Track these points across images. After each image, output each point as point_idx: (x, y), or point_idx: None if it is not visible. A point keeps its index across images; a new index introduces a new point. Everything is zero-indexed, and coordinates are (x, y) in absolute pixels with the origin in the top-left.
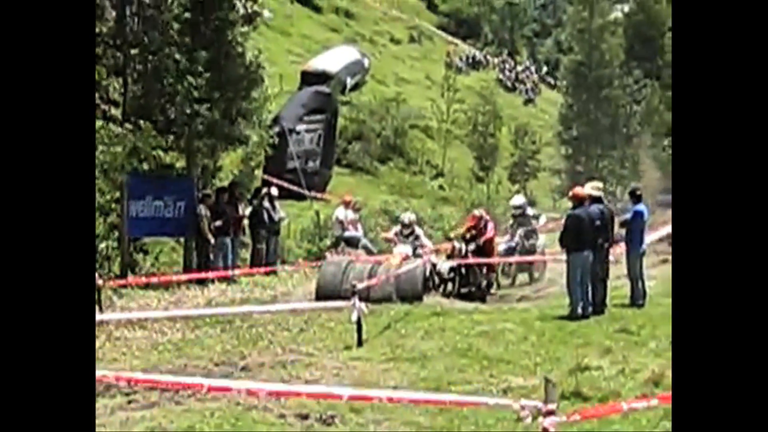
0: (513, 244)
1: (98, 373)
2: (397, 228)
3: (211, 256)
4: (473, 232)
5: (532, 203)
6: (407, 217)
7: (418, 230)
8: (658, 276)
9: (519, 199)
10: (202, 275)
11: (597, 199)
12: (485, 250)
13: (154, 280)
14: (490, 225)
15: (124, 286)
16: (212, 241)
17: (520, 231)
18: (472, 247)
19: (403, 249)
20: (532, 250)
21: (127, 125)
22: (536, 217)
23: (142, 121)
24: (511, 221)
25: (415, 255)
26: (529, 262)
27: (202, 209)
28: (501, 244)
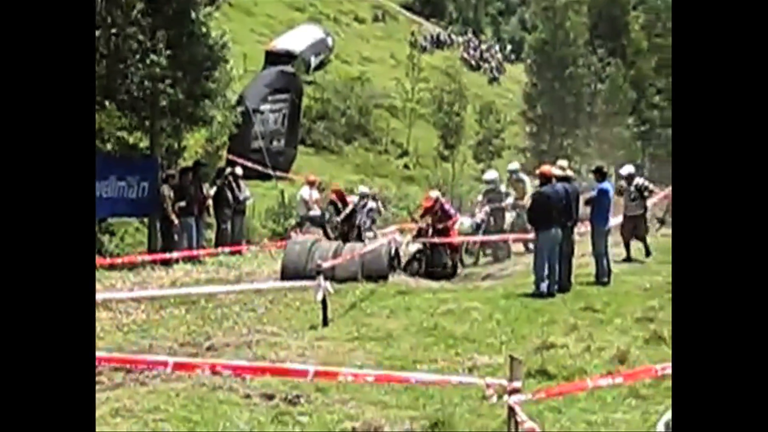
0: (478, 221)
1: None
2: (354, 199)
3: (176, 237)
4: (430, 214)
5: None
6: (364, 188)
7: (371, 204)
8: (623, 254)
9: (492, 174)
10: (167, 256)
11: (563, 178)
12: (448, 230)
13: (118, 261)
14: (449, 207)
15: None
16: (176, 221)
17: (487, 208)
18: (437, 227)
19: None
20: (499, 229)
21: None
22: (508, 195)
23: (107, 102)
24: (480, 197)
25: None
26: (494, 242)
27: (166, 189)
28: (466, 220)
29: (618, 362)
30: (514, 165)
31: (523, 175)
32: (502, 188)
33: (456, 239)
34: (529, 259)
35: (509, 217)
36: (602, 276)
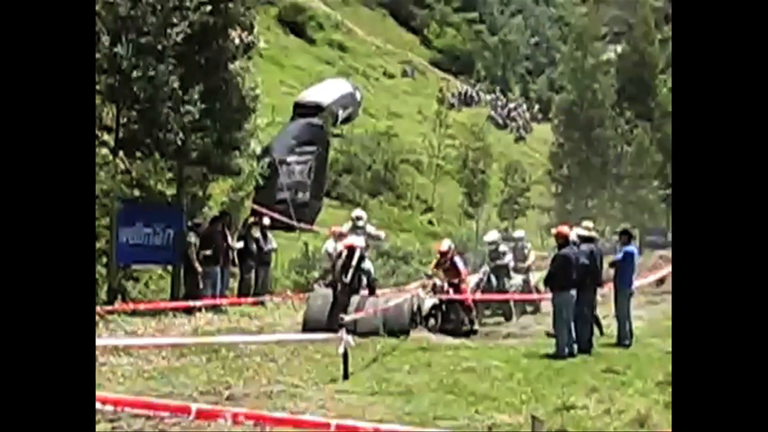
0: (476, 280)
1: None
2: (348, 225)
3: (200, 285)
4: (441, 265)
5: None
6: (357, 212)
7: (370, 228)
8: (645, 317)
9: (493, 235)
10: (190, 303)
11: (588, 239)
12: (459, 287)
13: (141, 307)
14: (460, 262)
15: (111, 312)
16: (200, 269)
17: (486, 268)
18: (451, 282)
19: (356, 240)
20: (502, 288)
21: (120, 152)
22: (506, 254)
23: (144, 142)
24: (486, 268)
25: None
26: (503, 300)
27: (192, 238)
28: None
29: (638, 425)
30: (520, 233)
31: (527, 243)
32: (502, 248)
33: (468, 296)
34: (550, 318)
35: (517, 278)
36: (624, 338)
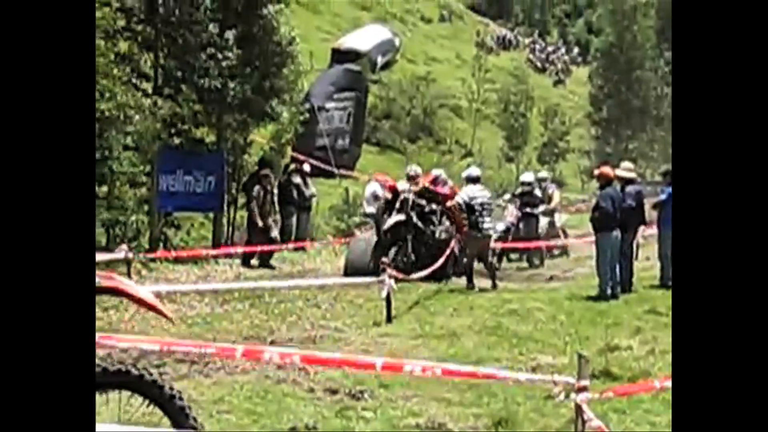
0: (508, 224)
1: (127, 341)
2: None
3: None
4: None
5: (559, 184)
6: (413, 169)
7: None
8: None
9: (529, 176)
10: (231, 250)
11: (629, 180)
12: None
13: (183, 254)
14: (442, 189)
15: (153, 260)
16: (260, 223)
17: (518, 213)
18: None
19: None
20: (531, 235)
21: (159, 99)
22: (543, 202)
23: (183, 89)
24: (507, 196)
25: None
26: (529, 247)
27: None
28: (499, 224)
29: None
30: (543, 174)
31: (553, 185)
32: (537, 192)
33: (498, 245)
34: (593, 261)
35: (543, 222)
36: (667, 279)
